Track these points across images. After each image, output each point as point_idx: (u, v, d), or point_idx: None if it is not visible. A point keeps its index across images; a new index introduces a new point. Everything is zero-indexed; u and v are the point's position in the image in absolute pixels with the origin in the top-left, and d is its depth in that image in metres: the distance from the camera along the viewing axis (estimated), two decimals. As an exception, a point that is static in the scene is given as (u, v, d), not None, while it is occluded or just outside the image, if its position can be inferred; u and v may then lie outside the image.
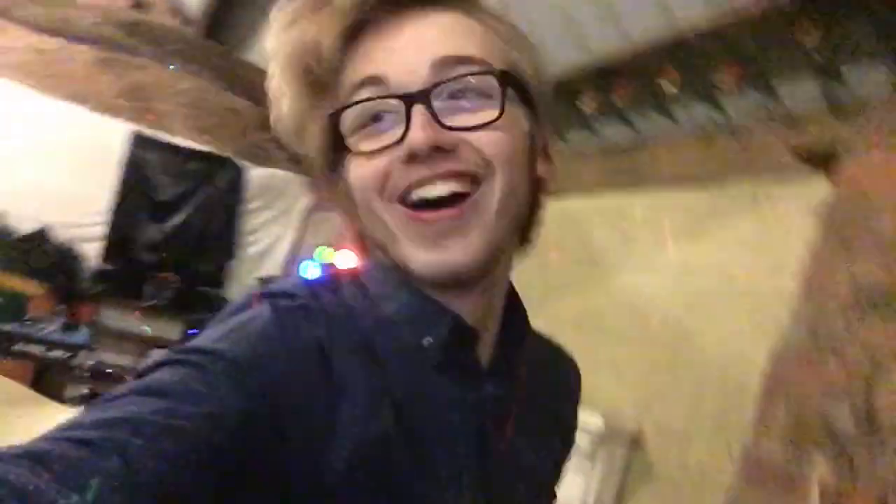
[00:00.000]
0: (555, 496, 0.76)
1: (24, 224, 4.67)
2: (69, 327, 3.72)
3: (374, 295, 0.61)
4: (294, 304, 0.57)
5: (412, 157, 0.55)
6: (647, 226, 3.32)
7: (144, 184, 5.02)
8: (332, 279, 0.63)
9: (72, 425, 0.43)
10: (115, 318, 4.79)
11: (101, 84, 4.88)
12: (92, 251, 4.92)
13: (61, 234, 4.78)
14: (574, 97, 3.33)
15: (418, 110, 0.54)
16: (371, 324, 0.59)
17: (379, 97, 0.56)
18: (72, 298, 4.52)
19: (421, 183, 0.56)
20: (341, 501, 0.52)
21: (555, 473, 0.75)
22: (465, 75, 0.56)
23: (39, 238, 4.68)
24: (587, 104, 3.30)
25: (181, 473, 0.43)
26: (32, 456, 0.40)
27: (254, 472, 0.47)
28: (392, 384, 0.56)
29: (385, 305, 0.60)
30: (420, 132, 0.54)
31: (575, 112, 3.38)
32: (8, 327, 3.37)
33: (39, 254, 4.59)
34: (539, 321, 0.70)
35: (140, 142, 5.01)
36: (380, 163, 0.57)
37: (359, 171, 0.58)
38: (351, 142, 0.58)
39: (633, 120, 3.31)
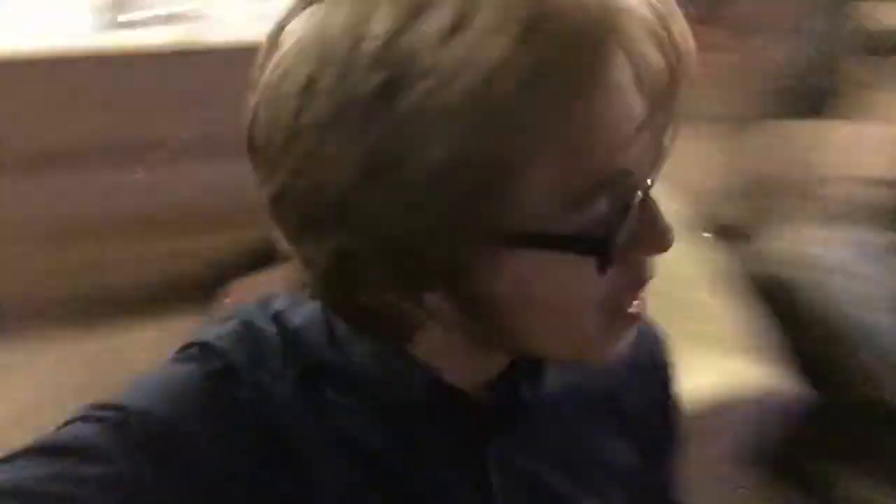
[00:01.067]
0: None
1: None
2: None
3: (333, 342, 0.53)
4: (224, 371, 0.50)
5: None
6: None
7: None
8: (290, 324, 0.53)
9: None
10: None
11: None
12: None
13: None
14: None
15: None
16: (331, 373, 0.52)
17: None
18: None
19: None
20: None
21: (626, 478, 0.65)
22: None
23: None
24: None
25: None
26: None
27: None
28: (364, 447, 0.51)
29: (350, 357, 0.52)
30: None
31: None
32: None
33: None
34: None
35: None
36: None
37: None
38: None
39: None
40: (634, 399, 0.64)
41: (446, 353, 0.51)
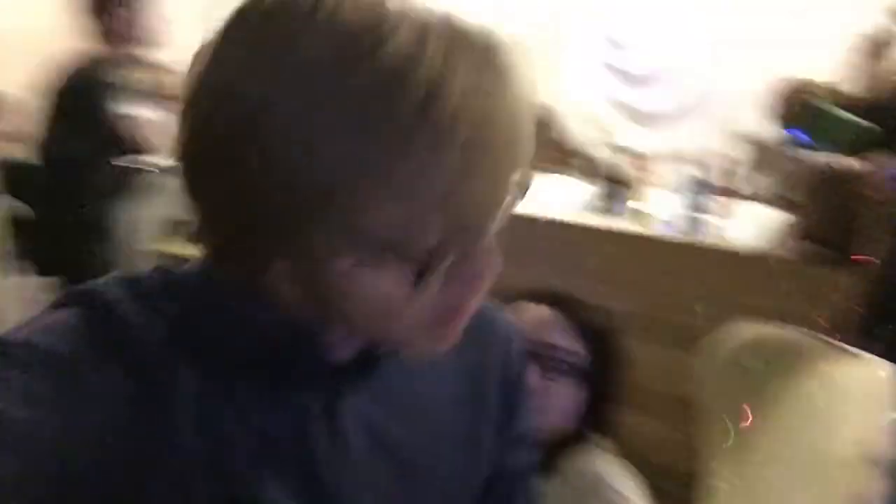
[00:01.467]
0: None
1: None
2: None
3: (215, 293, 0.55)
4: (77, 301, 0.52)
5: None
6: None
7: None
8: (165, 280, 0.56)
9: None
10: None
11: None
12: None
13: None
14: None
15: None
16: (207, 317, 0.54)
17: None
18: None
19: None
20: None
21: (471, 456, 0.66)
22: None
23: None
24: None
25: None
26: None
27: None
28: (223, 378, 0.53)
29: (224, 303, 0.54)
30: None
31: None
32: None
33: None
34: None
35: None
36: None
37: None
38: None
39: None
40: (493, 377, 0.68)
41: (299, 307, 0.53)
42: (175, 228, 2.96)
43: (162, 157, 2.57)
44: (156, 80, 2.71)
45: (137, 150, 2.54)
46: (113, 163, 2.50)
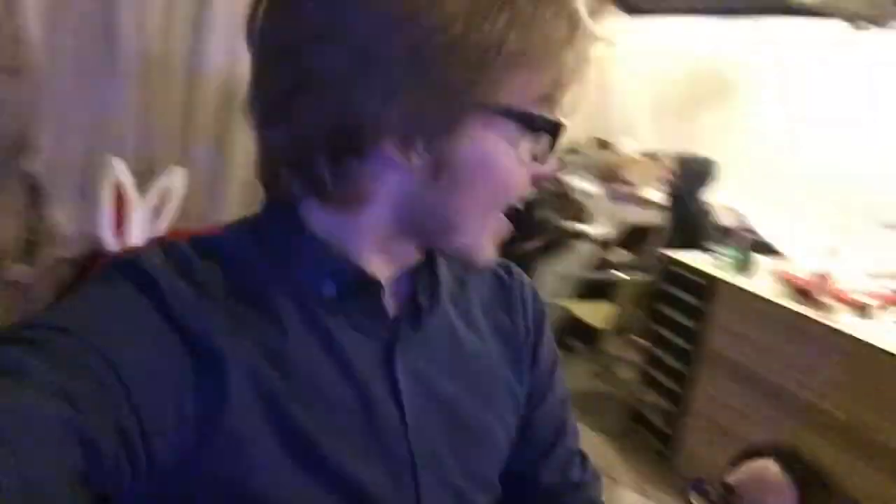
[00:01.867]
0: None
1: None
2: None
3: (265, 247, 0.58)
4: (122, 273, 0.52)
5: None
6: None
7: None
8: (208, 239, 0.58)
9: None
10: None
11: None
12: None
13: None
14: None
15: None
16: (258, 274, 0.56)
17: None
18: None
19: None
20: (241, 446, 0.51)
21: (512, 394, 0.71)
22: None
23: None
24: None
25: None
26: None
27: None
28: (278, 335, 0.54)
29: (280, 255, 0.57)
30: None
31: None
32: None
33: None
34: None
35: None
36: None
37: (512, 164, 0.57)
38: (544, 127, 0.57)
39: None
40: (519, 330, 0.72)
41: (372, 238, 0.57)
42: (576, 290, 3.29)
43: (592, 227, 3.19)
44: (605, 161, 3.36)
45: (579, 217, 3.11)
46: (555, 224, 3.06)
